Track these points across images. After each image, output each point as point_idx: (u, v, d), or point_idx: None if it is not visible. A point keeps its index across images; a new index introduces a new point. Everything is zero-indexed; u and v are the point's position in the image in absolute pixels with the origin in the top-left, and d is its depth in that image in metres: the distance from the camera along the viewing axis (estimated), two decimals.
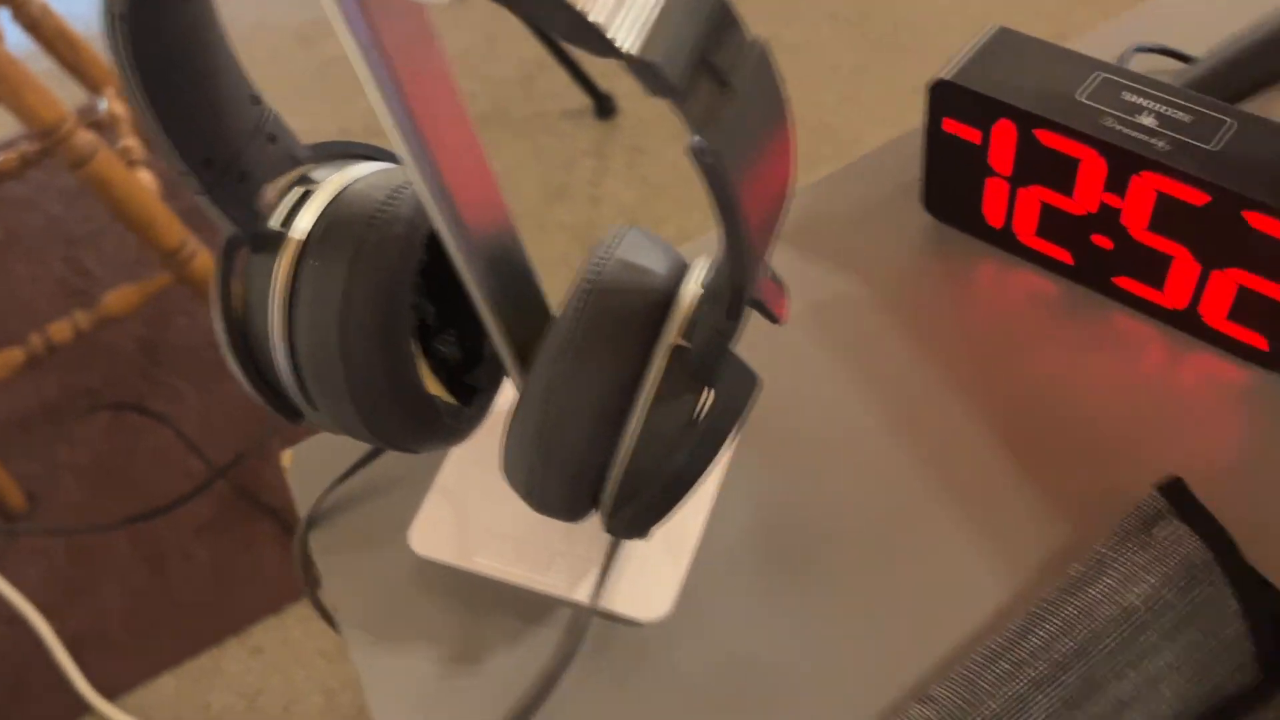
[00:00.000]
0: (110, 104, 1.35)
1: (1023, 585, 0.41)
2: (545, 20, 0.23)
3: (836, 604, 0.42)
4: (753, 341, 0.49)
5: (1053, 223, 0.47)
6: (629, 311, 0.33)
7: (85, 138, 1.08)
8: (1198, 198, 0.41)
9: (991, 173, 0.47)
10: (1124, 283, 0.47)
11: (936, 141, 0.48)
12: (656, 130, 1.58)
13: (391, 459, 0.48)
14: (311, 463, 0.49)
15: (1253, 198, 0.40)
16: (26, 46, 1.36)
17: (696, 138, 0.25)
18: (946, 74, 0.45)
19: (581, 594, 0.42)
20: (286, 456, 0.49)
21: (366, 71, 0.29)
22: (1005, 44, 0.47)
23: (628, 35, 0.23)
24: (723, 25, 0.26)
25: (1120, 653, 0.37)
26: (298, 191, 0.36)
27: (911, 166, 0.54)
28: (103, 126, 1.33)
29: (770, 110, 0.28)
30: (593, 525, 0.43)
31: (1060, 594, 0.38)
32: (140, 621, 1.24)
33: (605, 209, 1.50)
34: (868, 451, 0.46)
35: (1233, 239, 0.42)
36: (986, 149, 0.46)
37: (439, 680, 0.42)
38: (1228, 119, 0.42)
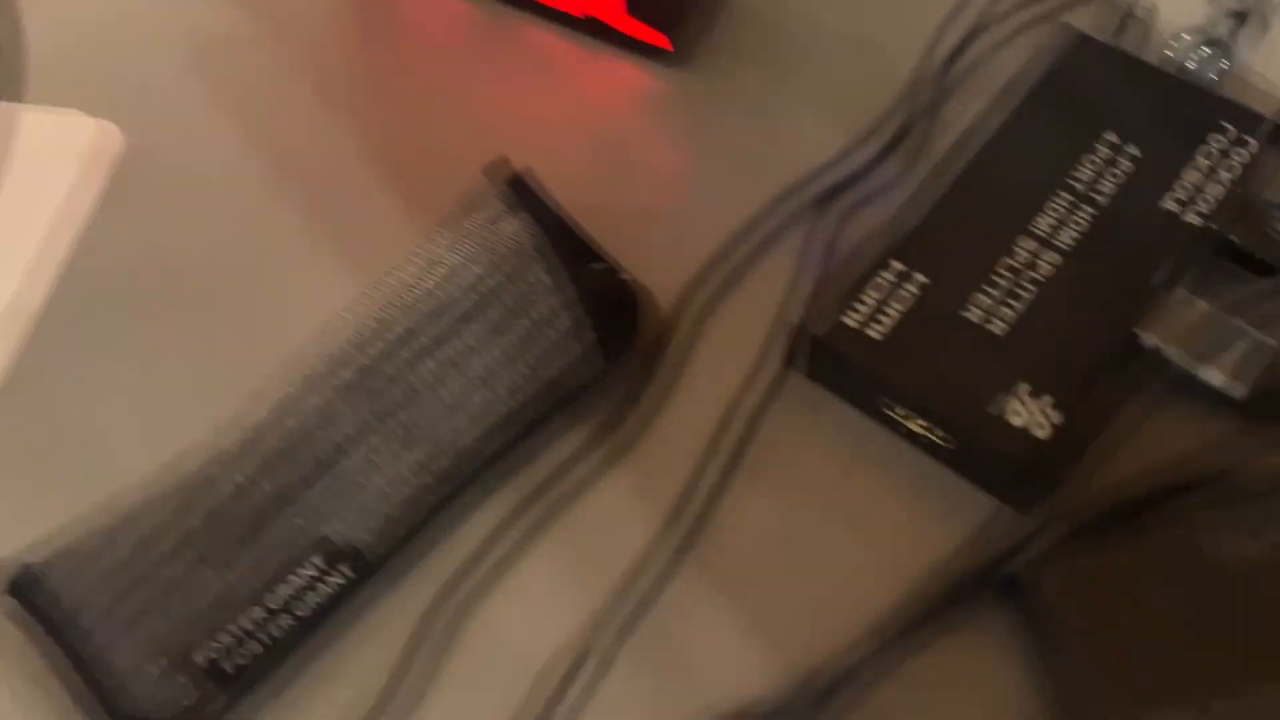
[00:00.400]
0: None
1: None
2: None
3: (194, 353, 0.38)
4: (127, 90, 0.43)
5: None
6: None
7: None
8: None
9: None
10: None
11: None
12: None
13: None
14: None
15: None
16: None
17: None
18: None
19: None
20: None
21: None
22: None
23: None
24: None
25: (440, 349, 0.34)
26: None
27: None
28: None
29: None
30: None
31: (372, 292, 0.34)
32: None
33: None
34: (241, 191, 0.41)
35: None
36: None
37: None
38: None
